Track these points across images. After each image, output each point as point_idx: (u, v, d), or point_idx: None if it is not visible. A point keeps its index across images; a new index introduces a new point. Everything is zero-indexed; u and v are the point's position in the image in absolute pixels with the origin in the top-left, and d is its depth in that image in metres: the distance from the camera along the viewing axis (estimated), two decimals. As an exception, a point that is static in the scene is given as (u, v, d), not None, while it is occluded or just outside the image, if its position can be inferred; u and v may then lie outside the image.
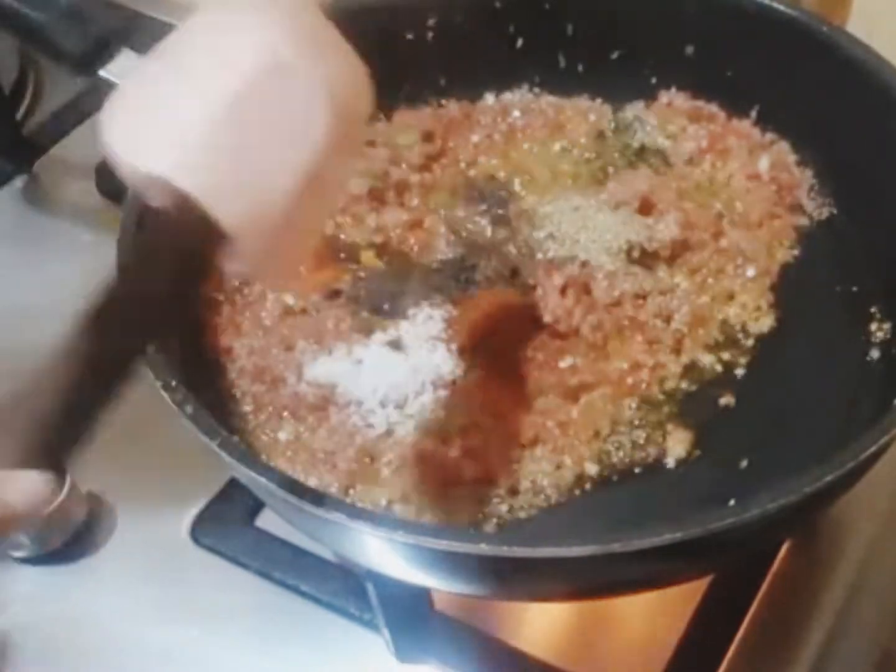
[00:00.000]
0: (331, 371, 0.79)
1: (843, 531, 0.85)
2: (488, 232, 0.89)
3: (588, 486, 0.75)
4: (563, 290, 0.82)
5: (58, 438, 0.52)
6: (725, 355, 0.81)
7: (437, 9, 0.93)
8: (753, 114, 0.93)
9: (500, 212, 0.90)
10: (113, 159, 0.56)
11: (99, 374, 0.54)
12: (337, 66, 0.57)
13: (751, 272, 0.85)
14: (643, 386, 0.79)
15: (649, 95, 0.96)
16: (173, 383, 0.69)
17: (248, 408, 0.79)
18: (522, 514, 0.74)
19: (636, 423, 0.78)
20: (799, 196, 0.90)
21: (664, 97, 0.95)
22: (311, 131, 0.55)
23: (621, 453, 0.76)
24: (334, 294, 0.84)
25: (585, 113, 0.96)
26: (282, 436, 0.78)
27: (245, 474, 0.67)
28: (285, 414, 0.78)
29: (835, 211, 0.89)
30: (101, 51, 0.90)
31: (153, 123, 0.55)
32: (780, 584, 0.82)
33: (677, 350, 0.81)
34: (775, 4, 0.88)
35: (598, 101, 0.96)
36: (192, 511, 0.88)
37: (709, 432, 0.78)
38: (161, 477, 0.90)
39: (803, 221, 0.89)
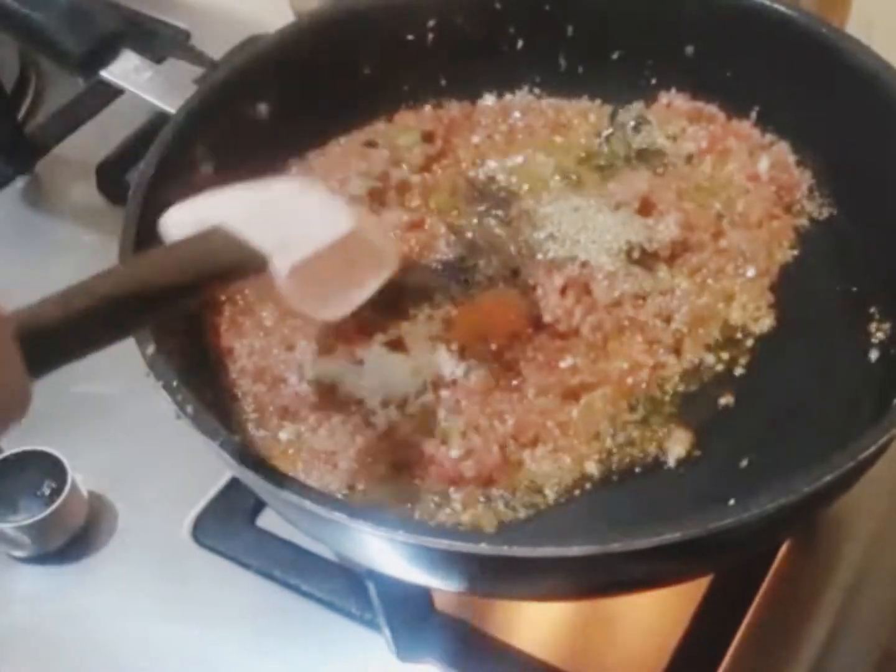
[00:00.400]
0: (332, 371, 0.79)
1: (843, 531, 0.85)
2: (489, 232, 0.89)
3: (588, 486, 0.75)
4: (563, 291, 0.82)
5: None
6: (725, 355, 0.81)
7: (437, 10, 0.93)
8: (753, 114, 0.93)
9: (501, 212, 0.90)
10: (171, 226, 0.70)
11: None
12: (363, 222, 0.75)
13: (751, 272, 0.85)
14: (643, 386, 0.79)
15: (649, 96, 0.96)
16: (174, 383, 0.69)
17: (248, 408, 0.79)
18: (522, 514, 0.74)
19: (636, 423, 0.78)
20: (799, 196, 0.90)
21: (664, 98, 0.95)
22: (335, 226, 0.72)
23: (621, 453, 0.77)
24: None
25: (586, 114, 0.96)
26: (282, 436, 0.78)
27: (246, 474, 0.67)
28: (286, 414, 0.79)
29: (834, 211, 0.89)
30: (102, 52, 0.90)
31: (213, 206, 0.71)
32: (780, 584, 0.82)
33: (677, 350, 0.81)
34: (775, 5, 0.89)
35: (598, 101, 0.97)
36: (193, 511, 0.89)
37: (709, 432, 0.78)
38: (162, 477, 0.90)
39: (803, 222, 0.89)
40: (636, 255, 0.85)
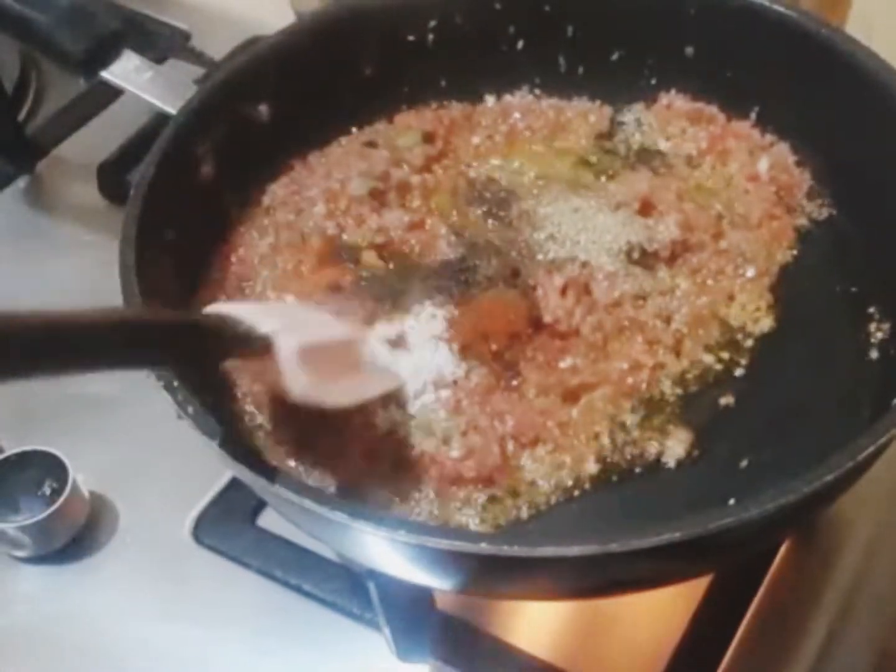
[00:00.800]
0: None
1: (843, 531, 0.85)
2: (489, 233, 0.89)
3: (588, 486, 0.76)
4: (563, 291, 0.82)
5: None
6: (725, 355, 0.81)
7: (437, 11, 0.93)
8: (753, 115, 0.93)
9: (501, 213, 0.90)
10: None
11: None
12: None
13: (750, 273, 0.85)
14: (643, 386, 0.79)
15: (649, 97, 0.96)
16: (174, 383, 0.69)
17: (248, 408, 0.79)
18: (522, 514, 0.74)
19: (636, 423, 0.78)
20: (798, 197, 0.90)
21: (664, 99, 0.95)
22: (346, 329, 0.75)
23: (621, 453, 0.77)
24: (336, 294, 0.84)
25: (586, 114, 0.96)
26: (282, 436, 0.78)
27: (247, 474, 0.67)
28: (286, 414, 0.78)
29: (834, 211, 0.89)
30: (103, 52, 0.90)
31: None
32: (780, 584, 0.82)
33: (677, 350, 0.81)
34: (775, 5, 0.89)
35: (599, 102, 0.97)
36: (194, 511, 0.89)
37: (709, 432, 0.78)
38: (163, 477, 0.90)
39: (803, 222, 0.89)
40: (636, 255, 0.85)
